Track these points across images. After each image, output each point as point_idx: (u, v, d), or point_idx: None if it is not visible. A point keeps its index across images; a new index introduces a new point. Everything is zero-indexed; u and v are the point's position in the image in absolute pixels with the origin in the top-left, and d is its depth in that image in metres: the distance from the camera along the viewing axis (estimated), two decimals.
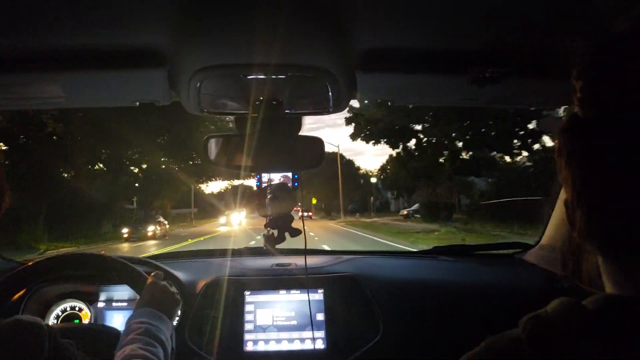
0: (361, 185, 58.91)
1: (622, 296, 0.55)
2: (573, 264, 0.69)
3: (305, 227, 1.37)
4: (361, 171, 62.55)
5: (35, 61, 1.02)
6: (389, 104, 1.35)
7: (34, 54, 1.01)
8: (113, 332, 1.34)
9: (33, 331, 0.75)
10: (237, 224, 35.37)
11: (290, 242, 1.51)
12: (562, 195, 0.62)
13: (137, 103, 1.28)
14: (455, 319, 1.62)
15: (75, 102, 1.26)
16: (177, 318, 1.57)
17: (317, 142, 1.35)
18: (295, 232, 1.45)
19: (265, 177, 1.48)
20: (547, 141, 22.19)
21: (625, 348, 0.49)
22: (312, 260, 1.91)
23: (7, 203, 0.86)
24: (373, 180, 58.12)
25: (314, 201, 48.46)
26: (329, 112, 1.34)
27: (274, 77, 1.13)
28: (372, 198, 49.39)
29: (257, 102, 1.27)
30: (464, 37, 1.00)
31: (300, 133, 1.38)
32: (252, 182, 1.48)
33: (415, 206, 34.12)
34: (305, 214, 53.52)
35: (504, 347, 0.56)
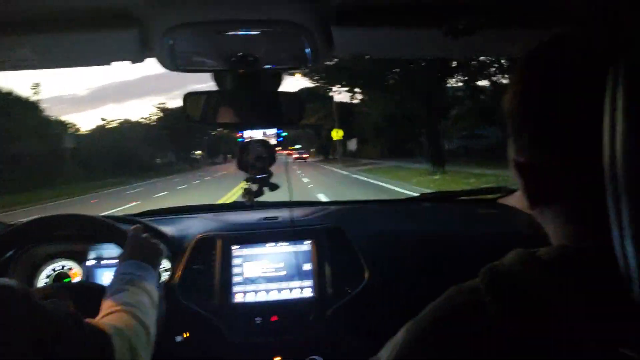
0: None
1: (575, 247, 0.56)
2: None
3: (290, 180, 1.39)
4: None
5: (2, 24, 0.99)
6: (366, 57, 1.33)
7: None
8: (99, 287, 1.37)
9: (3, 294, 0.75)
10: None
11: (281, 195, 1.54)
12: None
13: (112, 63, 1.25)
14: (437, 265, 1.66)
15: (48, 64, 1.23)
16: (167, 273, 1.61)
17: (297, 99, 1.35)
18: (274, 187, 1.50)
19: (247, 133, 1.49)
20: None
21: (577, 297, 0.51)
22: (298, 212, 1.94)
23: None
24: None
25: (338, 135, 32.01)
26: (308, 67, 1.32)
27: (248, 33, 1.10)
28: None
29: (233, 59, 1.24)
30: None
31: (281, 89, 1.37)
32: None
33: None
34: (298, 155, 47.95)
35: (464, 297, 0.58)
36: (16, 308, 0.74)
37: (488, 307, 0.54)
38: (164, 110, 58.50)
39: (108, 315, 1.03)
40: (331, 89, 30.47)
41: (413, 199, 2.24)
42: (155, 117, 58.22)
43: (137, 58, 1.22)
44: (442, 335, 0.57)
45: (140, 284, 1.17)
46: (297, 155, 46.80)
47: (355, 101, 36.70)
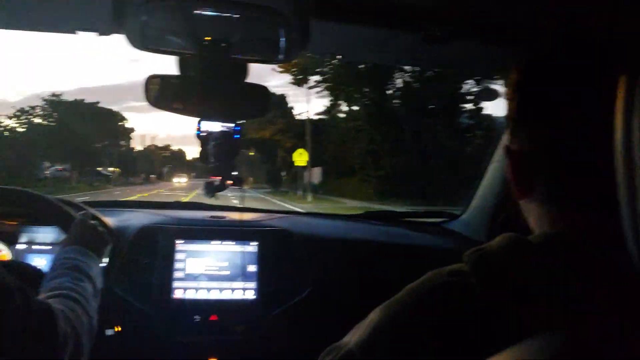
0: None
1: (562, 232, 0.59)
2: (500, 229, 0.73)
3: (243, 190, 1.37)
4: None
5: None
6: (340, 57, 1.35)
7: None
8: (37, 270, 1.29)
9: None
10: None
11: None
12: (496, 160, 0.66)
13: (77, 32, 1.21)
14: (381, 277, 1.67)
15: (11, 24, 1.17)
16: (105, 261, 1.53)
17: (263, 91, 1.34)
18: (237, 181, 1.46)
19: (204, 126, 1.46)
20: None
21: (564, 279, 0.52)
22: (248, 216, 1.91)
23: None
24: None
25: (302, 159, 23.54)
26: (277, 61, 1.32)
27: (225, 14, 1.10)
28: None
29: (204, 43, 1.23)
30: None
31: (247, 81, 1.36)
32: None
33: None
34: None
35: (445, 279, 0.58)
36: None
37: (474, 288, 0.54)
38: (55, 104, 38.12)
39: (50, 298, 0.97)
40: (306, 82, 24.14)
41: (358, 215, 2.25)
42: (41, 113, 38.21)
43: (105, 30, 1.18)
44: (423, 314, 0.57)
45: (84, 270, 1.11)
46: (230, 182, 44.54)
47: (324, 116, 27.88)
